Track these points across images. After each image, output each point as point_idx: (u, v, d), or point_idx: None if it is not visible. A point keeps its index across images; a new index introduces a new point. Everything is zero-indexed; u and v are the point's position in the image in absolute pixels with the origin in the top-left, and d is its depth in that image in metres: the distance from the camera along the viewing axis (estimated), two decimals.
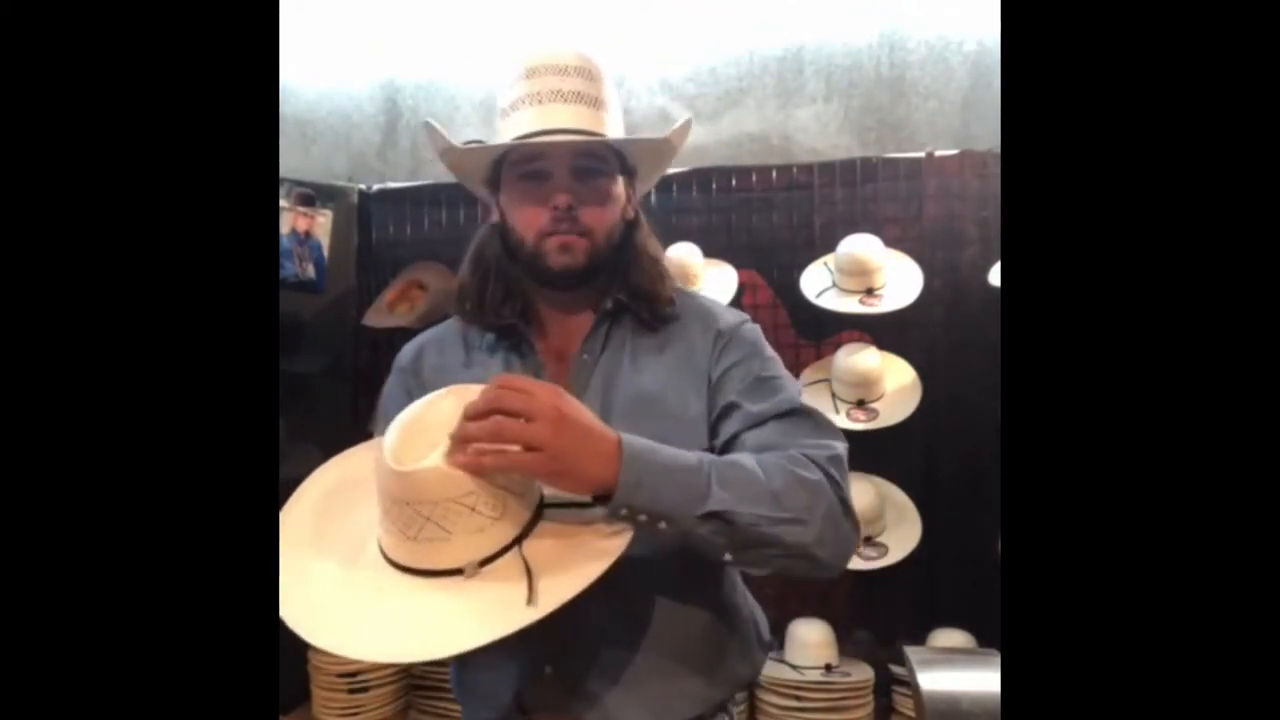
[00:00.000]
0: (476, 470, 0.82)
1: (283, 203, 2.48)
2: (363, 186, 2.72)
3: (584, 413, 0.88)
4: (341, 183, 2.69)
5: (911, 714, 1.99)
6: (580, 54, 1.09)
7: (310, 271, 2.55)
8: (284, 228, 2.48)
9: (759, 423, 1.04)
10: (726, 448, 1.05)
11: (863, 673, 2.10)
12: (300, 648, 2.27)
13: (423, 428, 0.85)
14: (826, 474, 0.97)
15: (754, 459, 0.96)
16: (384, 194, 2.71)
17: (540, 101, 1.06)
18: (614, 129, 1.10)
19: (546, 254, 1.07)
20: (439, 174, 2.73)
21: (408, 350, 1.20)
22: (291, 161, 2.75)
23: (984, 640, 2.06)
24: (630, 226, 1.15)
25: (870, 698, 2.09)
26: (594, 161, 1.08)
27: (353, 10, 2.76)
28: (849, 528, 0.98)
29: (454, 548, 0.83)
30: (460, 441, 0.83)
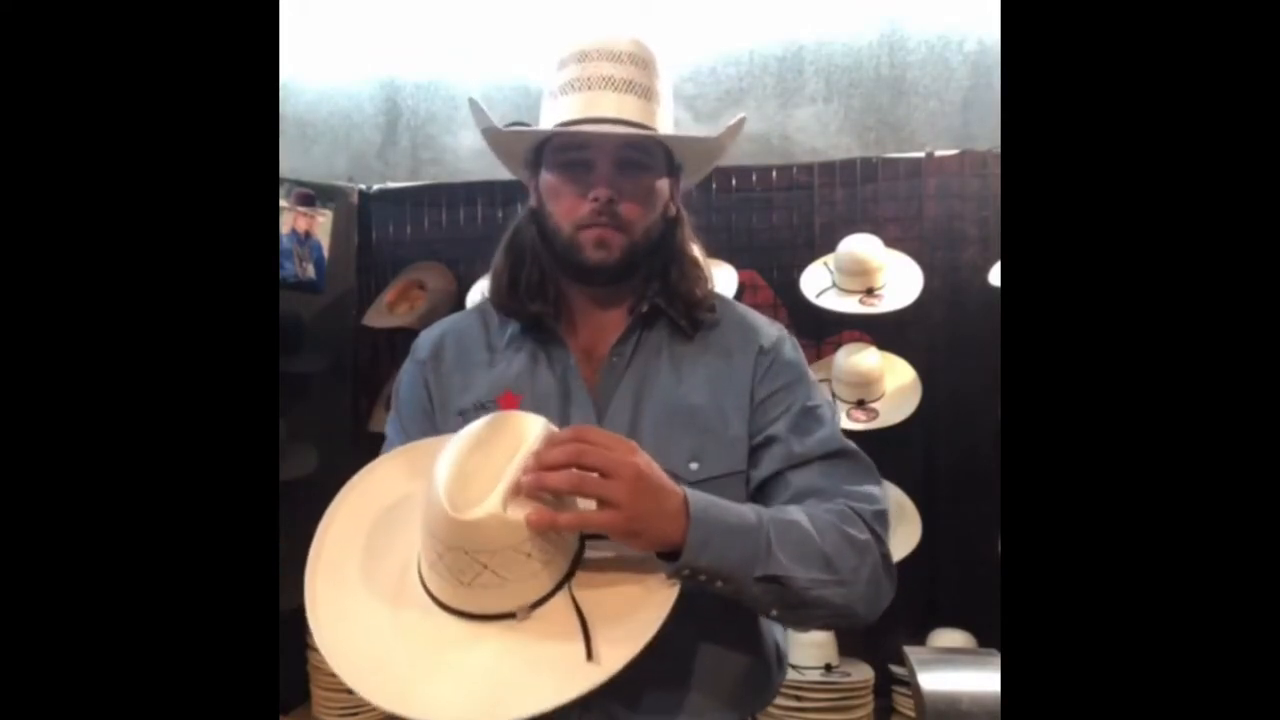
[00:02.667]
0: (551, 526, 0.80)
1: (283, 203, 2.48)
2: (363, 186, 2.71)
3: (657, 469, 0.85)
4: (341, 183, 2.69)
5: (911, 714, 1.99)
6: (636, 40, 1.05)
7: (310, 271, 2.55)
8: (284, 228, 2.48)
9: (803, 462, 1.02)
10: (766, 484, 1.03)
11: (863, 673, 2.10)
12: (300, 647, 2.30)
13: (474, 468, 0.82)
14: (873, 531, 0.97)
15: (806, 516, 0.94)
16: (384, 194, 2.71)
17: (590, 87, 1.02)
18: (665, 122, 1.06)
19: (582, 246, 1.04)
20: (439, 174, 2.74)
21: (426, 339, 1.15)
22: (291, 161, 2.75)
23: (984, 640, 2.06)
24: (671, 225, 1.10)
25: (870, 698, 2.09)
26: (639, 155, 1.04)
27: (353, 10, 2.76)
28: (888, 585, 0.98)
29: (508, 593, 0.81)
30: (536, 490, 0.80)
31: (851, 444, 1.07)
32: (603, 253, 1.03)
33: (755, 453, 1.05)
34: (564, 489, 0.81)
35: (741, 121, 1.10)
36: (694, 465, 1.01)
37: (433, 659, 0.81)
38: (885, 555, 0.98)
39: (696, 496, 0.87)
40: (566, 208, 1.04)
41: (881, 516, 1.00)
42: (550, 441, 0.83)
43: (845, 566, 0.93)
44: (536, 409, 1.00)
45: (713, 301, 1.11)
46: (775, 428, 1.04)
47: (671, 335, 1.09)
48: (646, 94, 1.04)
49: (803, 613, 0.94)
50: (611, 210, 1.02)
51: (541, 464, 0.81)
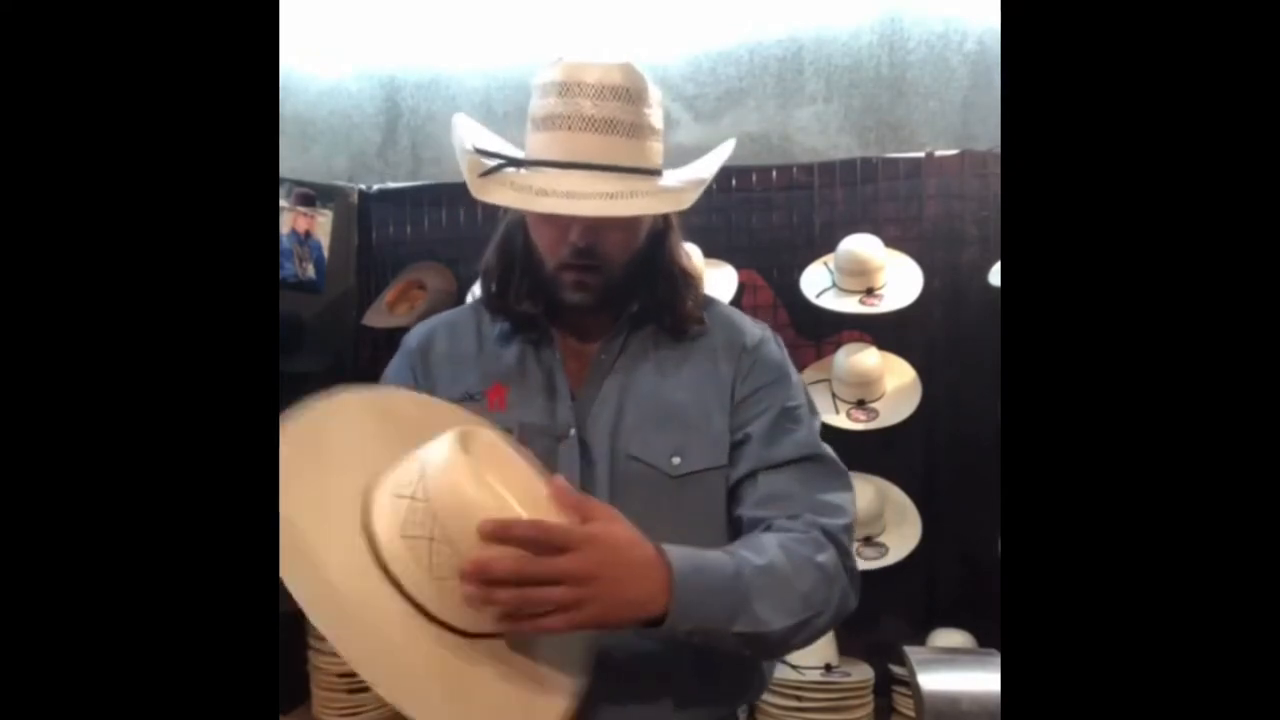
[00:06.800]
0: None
1: (283, 203, 2.48)
2: (363, 186, 2.71)
3: (624, 543, 0.84)
4: (341, 183, 2.69)
5: (911, 714, 1.99)
6: (623, 68, 1.00)
7: (310, 271, 2.55)
8: (284, 228, 2.48)
9: (776, 465, 1.04)
10: (740, 485, 1.05)
11: (863, 673, 2.10)
12: (300, 648, 2.30)
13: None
14: (839, 548, 1.00)
15: (781, 551, 0.95)
16: (384, 194, 2.70)
17: (569, 128, 0.98)
18: (653, 154, 1.03)
19: (562, 285, 1.05)
20: (439, 174, 2.74)
21: (418, 332, 1.16)
22: (291, 161, 2.75)
23: (984, 640, 2.06)
24: (659, 236, 1.10)
25: (870, 698, 2.09)
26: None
27: (353, 9, 2.76)
28: (853, 598, 1.02)
29: None
30: (486, 605, 0.79)
31: (825, 448, 1.08)
32: (581, 294, 1.04)
33: (733, 450, 1.06)
34: (511, 606, 0.79)
35: (729, 146, 1.10)
36: (676, 460, 1.03)
37: (452, 677, 0.82)
38: (850, 570, 1.01)
39: (679, 560, 0.87)
40: (547, 244, 1.05)
41: (849, 530, 1.03)
42: (493, 533, 0.78)
43: (819, 600, 0.96)
44: (522, 404, 1.05)
45: (701, 313, 1.12)
46: (752, 427, 1.06)
47: (659, 337, 1.11)
48: (630, 130, 0.99)
49: (777, 651, 1.02)
50: (591, 252, 1.02)
51: (489, 575, 0.77)
